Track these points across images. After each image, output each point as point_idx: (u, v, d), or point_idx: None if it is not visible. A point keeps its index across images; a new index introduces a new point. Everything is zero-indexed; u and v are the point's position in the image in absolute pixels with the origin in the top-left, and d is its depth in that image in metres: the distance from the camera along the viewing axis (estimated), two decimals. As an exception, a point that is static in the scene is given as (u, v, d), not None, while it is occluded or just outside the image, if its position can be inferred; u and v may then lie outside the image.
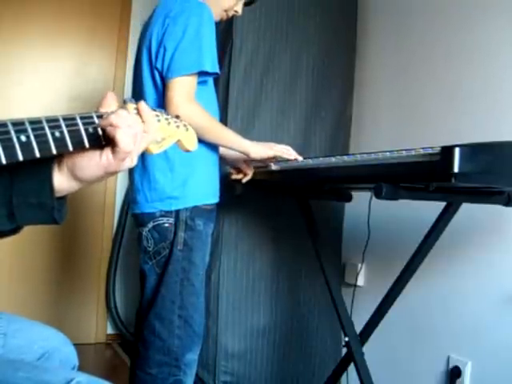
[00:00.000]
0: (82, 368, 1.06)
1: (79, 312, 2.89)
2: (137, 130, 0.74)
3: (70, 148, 0.68)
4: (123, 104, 0.78)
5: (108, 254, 2.95)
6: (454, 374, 1.79)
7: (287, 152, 1.63)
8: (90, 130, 0.71)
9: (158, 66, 1.48)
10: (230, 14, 1.65)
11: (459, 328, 1.82)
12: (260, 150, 1.59)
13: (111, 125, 0.71)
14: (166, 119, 0.85)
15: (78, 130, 0.69)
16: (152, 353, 1.50)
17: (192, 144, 0.92)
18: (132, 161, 0.75)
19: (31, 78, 2.75)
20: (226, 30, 2.09)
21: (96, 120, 0.72)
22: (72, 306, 2.87)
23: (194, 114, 1.43)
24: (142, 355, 1.52)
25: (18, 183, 0.73)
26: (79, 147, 0.70)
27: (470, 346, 1.78)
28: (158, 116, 0.82)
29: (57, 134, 0.66)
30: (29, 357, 0.99)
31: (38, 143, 0.64)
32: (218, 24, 1.60)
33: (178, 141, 0.88)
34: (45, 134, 0.65)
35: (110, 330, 3.01)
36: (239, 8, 1.65)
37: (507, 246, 1.69)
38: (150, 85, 1.52)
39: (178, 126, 0.87)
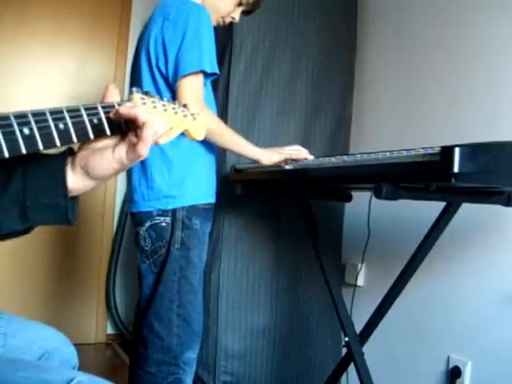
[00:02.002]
0: (82, 368, 1.06)
1: (79, 312, 2.89)
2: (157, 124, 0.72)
3: (75, 140, 0.67)
4: (130, 94, 0.76)
5: (108, 254, 2.95)
6: (454, 374, 1.79)
7: (297, 152, 1.63)
8: (95, 120, 0.69)
9: (162, 69, 1.48)
10: (227, 20, 1.65)
11: (459, 328, 1.82)
12: (271, 156, 1.59)
13: (135, 117, 0.69)
14: (173, 108, 0.83)
15: (83, 122, 0.68)
16: (151, 352, 1.51)
17: (199, 134, 0.89)
18: (145, 153, 0.72)
19: (31, 77, 2.76)
20: (225, 30, 2.09)
21: (101, 111, 0.70)
22: (72, 306, 2.87)
23: (206, 120, 1.40)
24: (142, 354, 1.53)
25: (30, 184, 0.72)
26: (84, 139, 0.69)
27: (470, 346, 1.78)
28: (164, 105, 0.81)
29: (61, 125, 0.65)
30: (29, 357, 0.98)
31: (41, 136, 0.63)
32: (215, 28, 1.60)
33: (186, 130, 0.86)
34: (48, 127, 0.64)
35: (110, 330, 3.01)
36: (236, 15, 1.64)
37: (507, 246, 1.69)
38: (150, 86, 1.51)
39: (185, 116, 0.85)
